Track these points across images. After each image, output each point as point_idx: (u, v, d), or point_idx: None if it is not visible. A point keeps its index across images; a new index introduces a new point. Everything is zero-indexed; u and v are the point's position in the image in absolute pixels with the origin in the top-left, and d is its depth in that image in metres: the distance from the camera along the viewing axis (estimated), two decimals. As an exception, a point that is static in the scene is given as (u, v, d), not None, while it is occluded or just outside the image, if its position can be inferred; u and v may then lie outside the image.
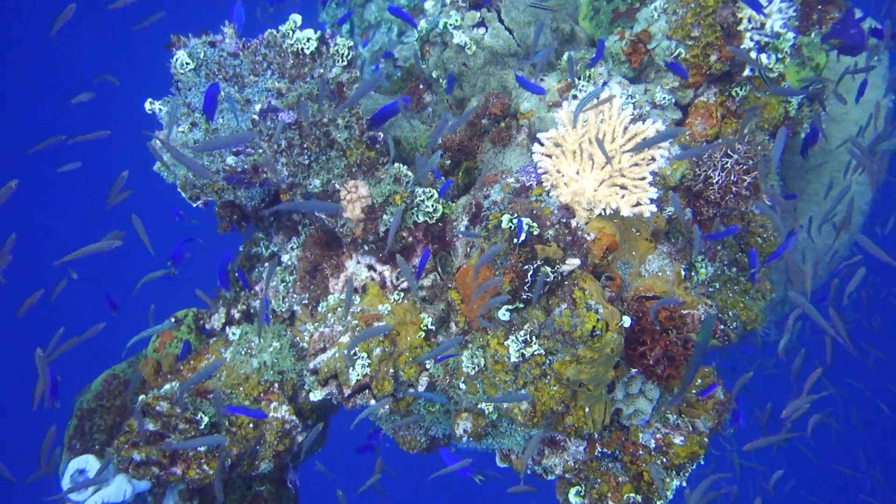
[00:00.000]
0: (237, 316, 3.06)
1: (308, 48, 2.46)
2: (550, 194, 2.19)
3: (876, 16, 2.99)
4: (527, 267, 2.04)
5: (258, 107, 2.45)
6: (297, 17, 2.54)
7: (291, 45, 2.47)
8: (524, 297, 2.07)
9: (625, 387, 2.30)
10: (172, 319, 2.99)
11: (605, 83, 2.69)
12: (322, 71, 2.43)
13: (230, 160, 2.39)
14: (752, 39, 2.64)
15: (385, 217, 2.45)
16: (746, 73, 2.70)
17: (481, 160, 2.98)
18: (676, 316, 2.11)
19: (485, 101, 3.02)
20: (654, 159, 2.08)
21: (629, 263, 2.21)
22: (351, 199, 2.44)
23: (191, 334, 3.01)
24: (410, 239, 2.53)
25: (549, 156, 2.18)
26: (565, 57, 2.85)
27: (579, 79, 2.76)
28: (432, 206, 2.54)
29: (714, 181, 2.66)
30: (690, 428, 2.43)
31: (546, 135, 2.19)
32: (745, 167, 2.62)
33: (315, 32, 2.49)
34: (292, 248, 2.84)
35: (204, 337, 3.07)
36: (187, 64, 2.36)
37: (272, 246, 3.11)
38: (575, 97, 2.73)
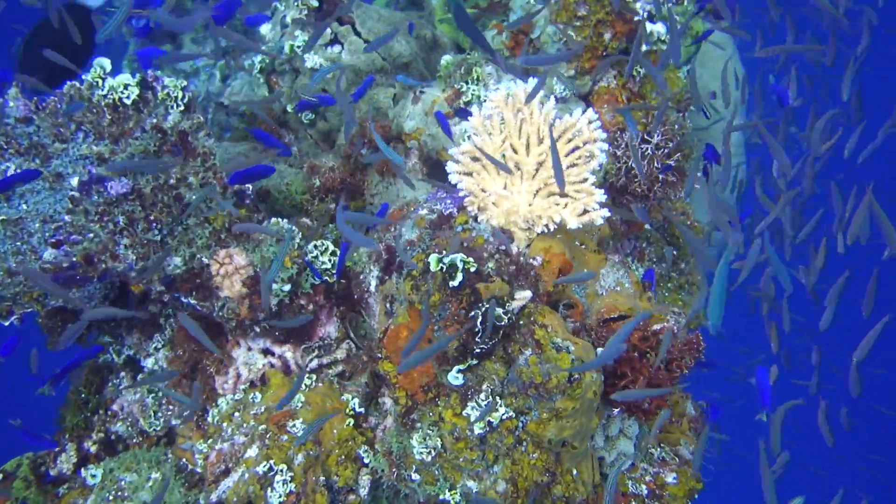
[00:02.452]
0: (93, 449, 2.47)
1: (128, 97, 2.02)
2: (479, 219, 1.89)
3: None
4: (473, 313, 1.71)
5: (75, 180, 1.96)
6: (104, 62, 2.08)
7: (104, 96, 2.02)
8: (477, 350, 1.74)
9: (604, 430, 2.03)
10: (0, 476, 2.36)
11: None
12: (156, 121, 1.99)
13: (49, 255, 1.87)
14: (643, 9, 2.51)
15: (275, 287, 2.02)
16: (644, 48, 2.57)
17: (370, 195, 2.63)
18: (651, 335, 1.87)
19: (360, 128, 2.68)
20: (592, 156, 1.84)
21: (584, 283, 1.95)
22: (227, 273, 2.00)
23: (29, 490, 2.39)
24: (311, 306, 2.12)
25: (469, 173, 1.87)
26: (444, 62, 2.58)
27: (466, 83, 2.50)
28: (330, 261, 2.15)
29: (638, 171, 2.48)
30: (677, 459, 2.21)
31: (460, 149, 1.88)
32: (665, 151, 2.47)
33: (133, 77, 2.06)
34: (156, 349, 2.32)
35: (49, 487, 2.45)
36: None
37: (125, 349, 2.57)
38: (468, 104, 2.47)
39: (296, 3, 2.78)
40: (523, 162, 1.84)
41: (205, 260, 2.01)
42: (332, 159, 2.70)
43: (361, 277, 2.19)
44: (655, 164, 2.47)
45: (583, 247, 2.00)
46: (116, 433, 2.45)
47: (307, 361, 2.16)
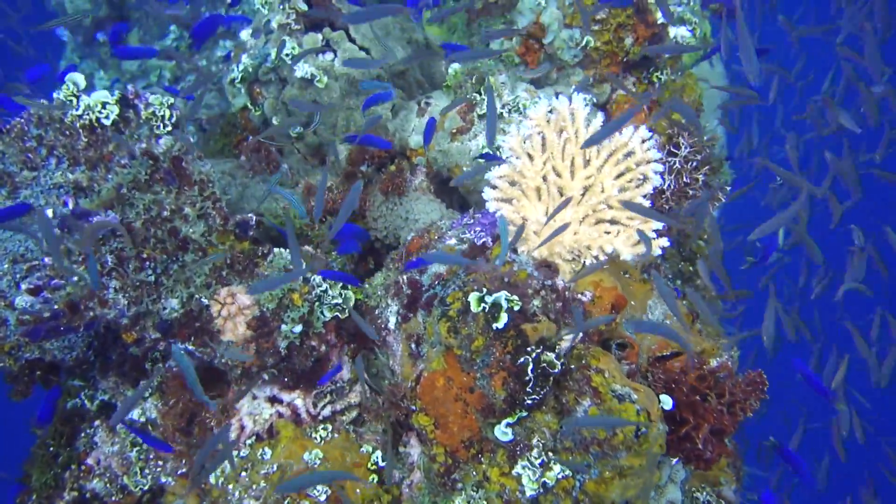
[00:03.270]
0: (68, 510, 2.24)
1: (106, 117, 1.81)
2: (519, 251, 1.72)
3: None
4: (523, 360, 1.55)
5: (49, 212, 1.73)
6: (77, 77, 1.87)
7: (79, 116, 1.80)
8: (527, 402, 1.57)
9: (653, 474, 1.89)
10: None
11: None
12: (145, 146, 1.77)
13: (23, 301, 1.64)
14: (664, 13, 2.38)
15: (284, 328, 1.82)
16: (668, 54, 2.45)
17: (372, 218, 2.44)
18: (708, 374, 1.73)
19: (357, 147, 2.49)
20: (646, 178, 1.69)
21: (632, 318, 1.80)
22: (229, 315, 1.79)
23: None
24: (323, 347, 1.92)
25: (508, 200, 1.71)
26: (452, 70, 2.41)
27: (479, 94, 2.33)
28: (340, 294, 1.96)
29: (665, 187, 2.36)
30: (722, 502, 2.08)
31: (497, 172, 1.72)
32: (693, 164, 2.35)
33: (112, 94, 1.84)
34: (144, 398, 2.09)
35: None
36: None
37: (99, 394, 2.33)
38: (482, 117, 2.30)
39: (282, 7, 2.56)
40: (568, 186, 1.68)
41: (204, 301, 1.79)
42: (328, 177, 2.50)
43: (377, 312, 2.00)
44: (683, 179, 2.35)
45: (626, 276, 1.86)
46: (93, 491, 2.22)
47: (319, 409, 1.96)
